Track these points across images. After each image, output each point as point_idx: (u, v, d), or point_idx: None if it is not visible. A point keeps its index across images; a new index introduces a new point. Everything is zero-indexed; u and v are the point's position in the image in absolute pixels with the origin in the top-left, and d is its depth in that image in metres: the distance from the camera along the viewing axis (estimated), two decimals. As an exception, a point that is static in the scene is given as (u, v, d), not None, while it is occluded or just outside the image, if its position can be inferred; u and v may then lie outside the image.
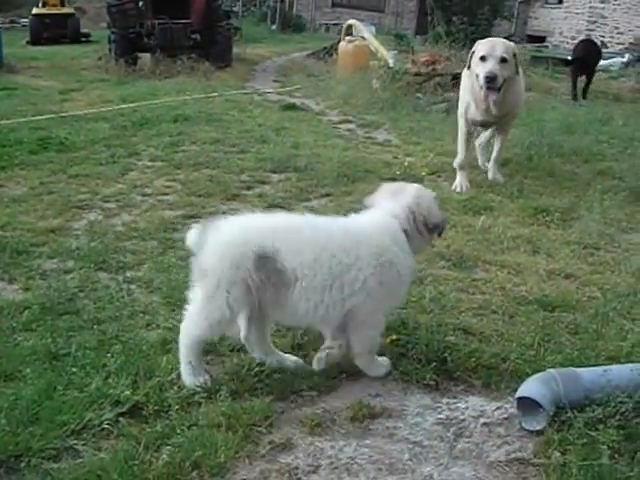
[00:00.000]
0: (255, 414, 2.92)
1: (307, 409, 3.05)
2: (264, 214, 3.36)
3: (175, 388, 3.06)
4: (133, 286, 4.12)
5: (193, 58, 14.16)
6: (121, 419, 2.86)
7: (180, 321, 3.49)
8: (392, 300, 3.24)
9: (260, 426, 2.88)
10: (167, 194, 5.97)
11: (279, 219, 3.23)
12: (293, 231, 3.09)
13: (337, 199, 5.92)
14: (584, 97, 13.70)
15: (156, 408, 2.93)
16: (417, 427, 2.97)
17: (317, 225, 3.17)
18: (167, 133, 8.14)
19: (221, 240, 3.02)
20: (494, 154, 6.79)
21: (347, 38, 15.10)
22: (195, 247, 3.08)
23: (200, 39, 15.18)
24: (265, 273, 2.98)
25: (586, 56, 14.04)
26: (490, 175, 6.75)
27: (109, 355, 3.27)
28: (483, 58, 6.00)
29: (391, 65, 12.38)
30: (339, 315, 3.11)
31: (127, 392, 2.98)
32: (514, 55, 6.11)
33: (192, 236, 3.12)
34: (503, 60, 5.97)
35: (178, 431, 2.79)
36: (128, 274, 4.28)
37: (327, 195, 6.04)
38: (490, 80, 5.92)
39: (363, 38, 15.04)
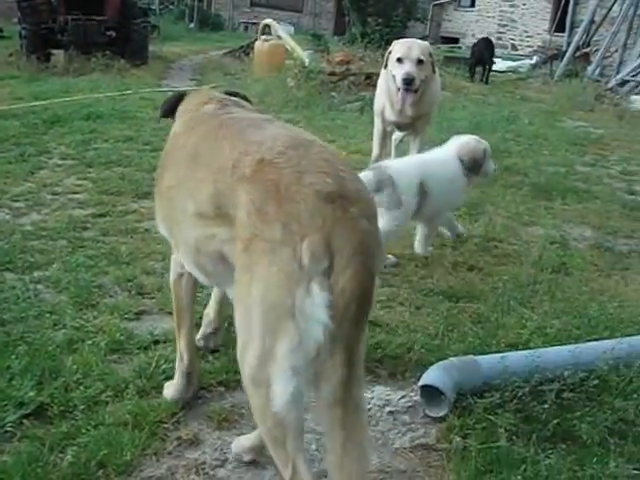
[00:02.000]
0: (162, 411, 2.91)
1: (215, 404, 3.04)
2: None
3: (81, 388, 3.00)
4: (40, 286, 4.00)
5: (108, 55, 13.82)
6: (25, 421, 2.80)
7: (88, 320, 3.45)
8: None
9: (167, 423, 2.87)
10: (78, 193, 5.82)
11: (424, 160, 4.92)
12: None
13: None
14: (486, 82, 16.70)
15: (61, 409, 2.87)
16: (325, 418, 2.99)
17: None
18: (79, 131, 7.94)
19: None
20: None
21: (263, 37, 15.06)
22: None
23: (115, 36, 14.83)
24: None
25: (482, 51, 17.26)
26: None
27: (13, 357, 3.16)
28: (400, 60, 6.02)
29: (306, 64, 12.40)
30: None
31: (31, 393, 2.92)
32: (430, 55, 6.15)
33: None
34: (420, 62, 6.00)
35: (83, 431, 2.75)
36: (35, 274, 4.15)
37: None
38: (408, 82, 5.94)
39: (279, 37, 15.02)
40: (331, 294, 1.98)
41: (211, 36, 25.99)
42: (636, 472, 2.73)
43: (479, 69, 17.21)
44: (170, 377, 3.10)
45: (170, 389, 3.04)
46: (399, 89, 5.98)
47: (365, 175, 4.18)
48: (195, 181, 2.47)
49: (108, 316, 3.65)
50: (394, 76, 6.03)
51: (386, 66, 6.20)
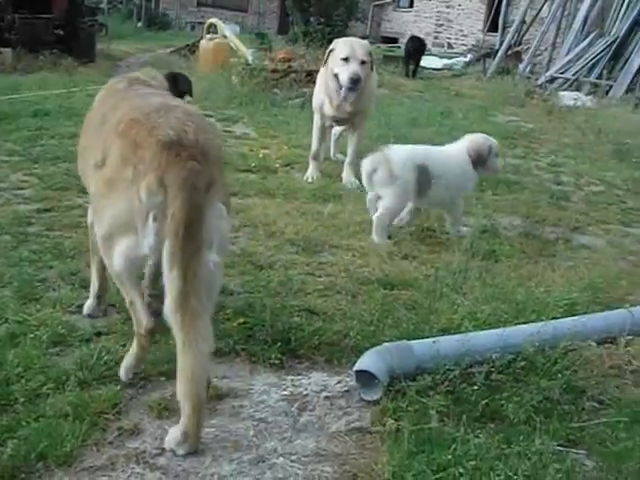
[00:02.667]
0: (103, 402, 2.83)
1: (155, 394, 2.98)
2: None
3: (22, 381, 2.90)
4: (-17, 281, 3.88)
5: (56, 53, 13.51)
6: (-37, 417, 2.70)
7: (30, 314, 3.36)
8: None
9: (108, 413, 2.79)
10: (23, 188, 5.65)
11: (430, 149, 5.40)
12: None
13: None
14: (414, 76, 17.64)
15: (2, 402, 2.78)
16: (262, 404, 2.97)
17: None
18: (26, 128, 7.72)
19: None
20: (349, 157, 6.57)
21: (208, 36, 14.92)
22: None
23: (63, 34, 14.48)
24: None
25: (413, 47, 18.52)
26: (344, 178, 6.50)
27: (-47, 352, 3.06)
28: (346, 59, 6.02)
29: (250, 62, 12.32)
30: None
31: (-29, 387, 2.81)
32: (370, 55, 6.16)
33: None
34: (363, 62, 6.03)
35: (24, 424, 2.66)
36: (-22, 269, 4.03)
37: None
38: (355, 82, 5.96)
39: (224, 36, 14.89)
40: (161, 224, 2.52)
41: (159, 35, 25.63)
42: (560, 448, 2.77)
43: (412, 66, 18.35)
44: (111, 368, 3.05)
45: (85, 308, 3.56)
46: (341, 87, 5.98)
47: (366, 159, 5.06)
48: (98, 140, 2.92)
49: (51, 309, 3.54)
50: (337, 74, 6.02)
51: (325, 63, 6.18)
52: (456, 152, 5.32)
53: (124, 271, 2.82)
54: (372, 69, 6.26)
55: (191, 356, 2.53)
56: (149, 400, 2.93)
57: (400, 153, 5.06)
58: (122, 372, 3.00)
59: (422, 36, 22.34)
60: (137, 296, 2.89)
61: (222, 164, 2.90)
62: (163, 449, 2.64)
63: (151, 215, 2.54)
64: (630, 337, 3.67)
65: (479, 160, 5.27)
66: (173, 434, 2.62)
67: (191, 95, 3.93)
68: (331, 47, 6.20)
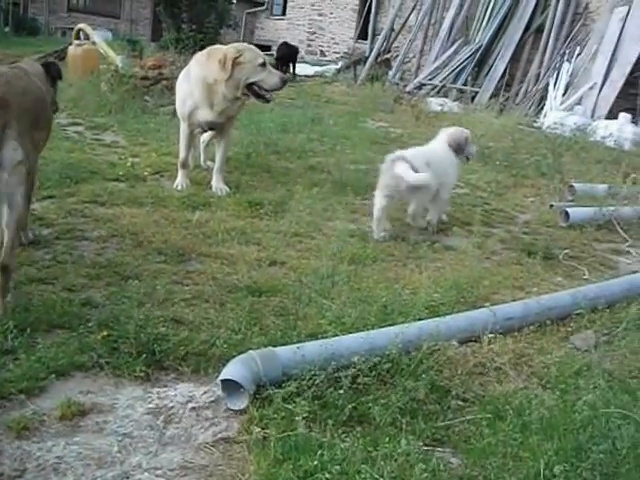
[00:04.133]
0: (-43, 423, 2.67)
1: (15, 413, 2.82)
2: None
3: None
4: None
5: None
6: None
7: None
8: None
9: (-39, 436, 2.63)
10: None
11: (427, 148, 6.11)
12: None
13: (60, 201, 5.59)
14: (294, 79, 18.90)
15: None
16: (127, 419, 2.87)
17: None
18: None
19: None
20: (217, 164, 6.52)
21: (76, 42, 14.45)
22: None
23: None
24: None
25: (284, 53, 20.79)
26: (214, 185, 6.45)
27: None
28: (263, 65, 5.99)
29: (120, 69, 12.03)
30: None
31: None
32: None
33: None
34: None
35: None
36: None
37: (50, 197, 5.68)
38: (286, 82, 6.23)
39: (94, 43, 14.48)
40: None
41: (27, 40, 24.62)
42: (426, 448, 2.81)
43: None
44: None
45: None
46: (260, 92, 6.04)
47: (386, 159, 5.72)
48: None
49: None
50: (255, 81, 5.97)
51: (230, 74, 5.95)
52: (441, 147, 6.10)
53: None
54: None
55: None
56: (8, 419, 2.77)
57: (416, 155, 5.69)
58: None
59: (295, 43, 22.76)
60: None
61: (32, 113, 3.61)
62: (23, 470, 2.51)
63: None
64: (492, 335, 3.76)
65: (459, 149, 6.12)
66: None
67: (61, 78, 4.67)
68: (232, 55, 5.97)
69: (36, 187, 4.85)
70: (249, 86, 6.03)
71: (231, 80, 5.98)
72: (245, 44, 6.59)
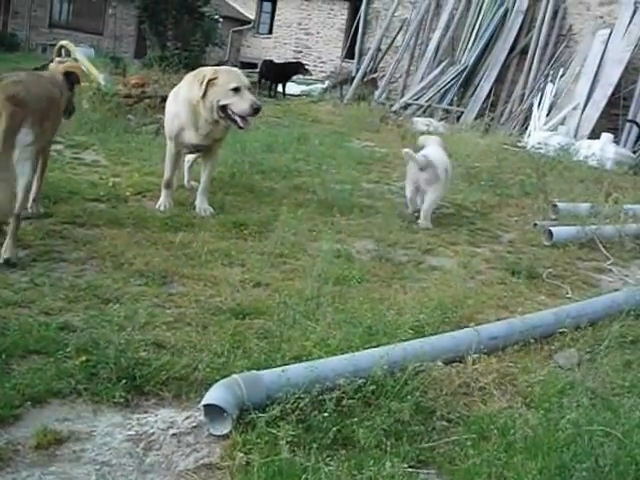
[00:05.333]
0: None
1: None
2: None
3: None
4: None
5: None
6: None
7: None
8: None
9: None
10: None
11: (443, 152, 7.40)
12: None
13: (37, 221, 5.50)
14: (284, 96, 21.21)
15: None
16: (106, 447, 2.82)
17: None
18: None
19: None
20: (202, 184, 6.50)
21: (58, 59, 14.39)
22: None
23: None
24: None
25: (268, 70, 21.73)
26: (197, 205, 6.41)
27: None
28: (237, 89, 5.94)
29: (102, 86, 12.00)
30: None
31: None
32: None
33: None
34: (250, 89, 6.08)
35: None
36: None
37: (27, 218, 5.56)
38: (257, 110, 5.97)
39: (75, 59, 14.44)
40: None
41: (7, 57, 24.50)
42: (410, 470, 2.80)
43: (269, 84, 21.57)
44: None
45: None
46: (243, 117, 5.91)
47: (417, 157, 7.03)
48: None
49: None
50: (227, 105, 5.93)
51: (204, 94, 5.96)
52: (440, 151, 7.34)
53: None
54: None
55: None
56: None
57: (439, 161, 7.03)
58: None
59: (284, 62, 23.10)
60: None
61: (45, 108, 4.89)
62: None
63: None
64: (477, 355, 3.78)
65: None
66: None
67: (79, 83, 6.04)
68: (210, 76, 6.00)
69: (48, 167, 5.93)
70: (223, 109, 6.00)
71: (205, 101, 6.00)
72: (228, 67, 6.62)
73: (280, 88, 21.79)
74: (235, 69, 6.52)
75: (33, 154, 4.77)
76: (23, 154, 4.65)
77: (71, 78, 5.78)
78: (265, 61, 23.01)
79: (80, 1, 31.21)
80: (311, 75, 26.61)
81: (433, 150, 7.29)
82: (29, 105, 4.63)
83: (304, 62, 25.54)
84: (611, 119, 16.86)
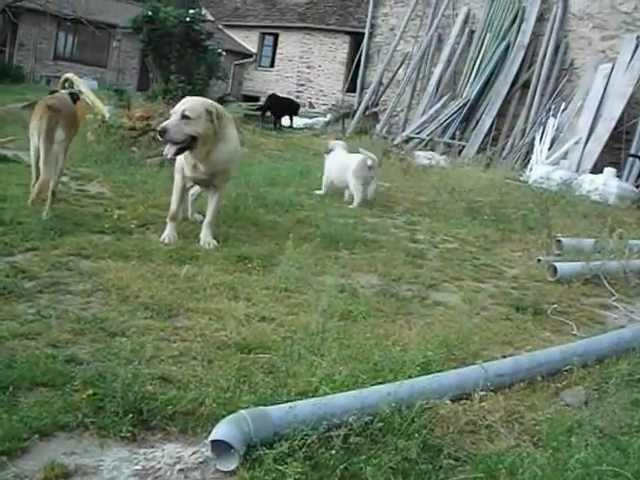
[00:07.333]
0: None
1: (-5, 478, 2.78)
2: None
3: None
4: None
5: None
6: None
7: None
8: None
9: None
10: None
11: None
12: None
13: (43, 253, 5.53)
14: (280, 128, 21.97)
15: None
16: (112, 482, 2.83)
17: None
18: None
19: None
20: (207, 218, 6.54)
21: (63, 91, 14.53)
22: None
23: None
24: None
25: (272, 103, 22.69)
26: (202, 239, 6.43)
27: None
28: (172, 115, 6.09)
29: (107, 119, 12.11)
30: None
31: None
32: (209, 113, 6.13)
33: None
34: (185, 117, 6.03)
35: None
36: None
37: (32, 249, 5.62)
38: (160, 133, 6.06)
39: (80, 92, 14.58)
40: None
41: (12, 88, 24.74)
42: (418, 508, 2.80)
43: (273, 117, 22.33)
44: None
45: None
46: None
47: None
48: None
49: None
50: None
51: None
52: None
53: None
54: (215, 130, 6.19)
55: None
56: (-13, 485, 2.73)
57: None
58: None
59: (287, 95, 23.36)
60: None
61: (71, 117, 6.90)
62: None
63: (36, 132, 6.40)
64: (484, 393, 3.76)
65: None
66: None
67: (79, 100, 8.23)
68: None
69: (66, 162, 7.29)
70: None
71: None
72: (201, 99, 6.69)
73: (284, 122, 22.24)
74: (193, 98, 6.63)
75: (64, 148, 6.74)
76: (59, 147, 6.59)
77: (73, 96, 7.84)
78: (270, 95, 23.85)
79: (85, 34, 31.59)
80: (314, 108, 26.90)
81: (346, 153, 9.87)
82: (61, 113, 6.53)
83: (307, 96, 26.07)
84: (613, 153, 16.97)
